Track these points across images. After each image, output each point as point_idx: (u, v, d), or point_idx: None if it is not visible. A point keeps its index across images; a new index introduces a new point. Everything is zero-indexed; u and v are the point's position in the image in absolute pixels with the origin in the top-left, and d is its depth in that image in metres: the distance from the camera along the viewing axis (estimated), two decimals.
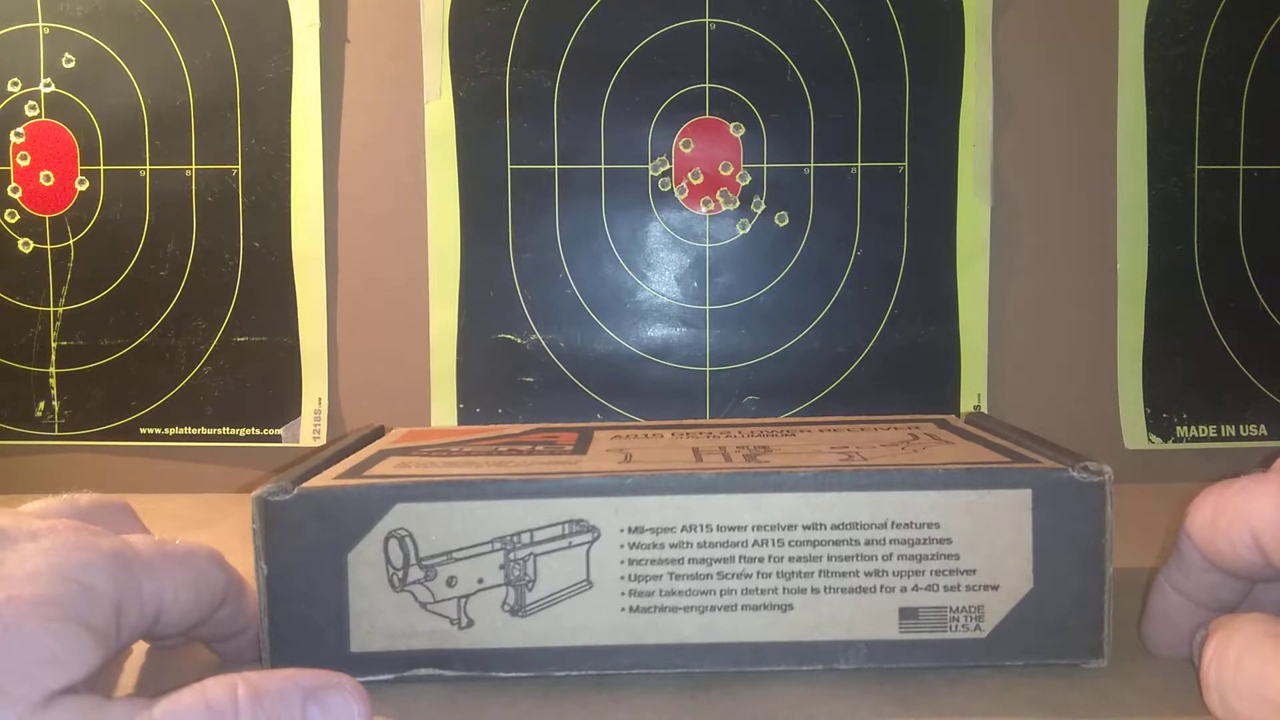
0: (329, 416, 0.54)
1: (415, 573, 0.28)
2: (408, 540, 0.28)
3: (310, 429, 0.54)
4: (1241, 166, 0.53)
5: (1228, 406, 0.54)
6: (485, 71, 0.53)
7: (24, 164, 0.54)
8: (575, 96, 0.53)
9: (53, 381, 0.54)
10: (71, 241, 0.54)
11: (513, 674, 0.29)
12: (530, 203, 0.53)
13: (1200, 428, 0.54)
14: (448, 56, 0.53)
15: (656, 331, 0.54)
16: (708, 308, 0.54)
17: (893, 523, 0.28)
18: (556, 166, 0.53)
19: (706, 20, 0.53)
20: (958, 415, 0.41)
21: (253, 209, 0.54)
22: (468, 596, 0.28)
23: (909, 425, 0.37)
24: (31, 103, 0.54)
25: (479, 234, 0.53)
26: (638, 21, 0.53)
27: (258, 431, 0.54)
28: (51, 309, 0.54)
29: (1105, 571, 0.28)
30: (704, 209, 0.54)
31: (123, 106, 0.53)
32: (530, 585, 0.28)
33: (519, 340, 0.53)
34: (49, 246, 0.54)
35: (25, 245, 0.54)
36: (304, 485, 0.28)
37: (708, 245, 0.54)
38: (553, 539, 0.28)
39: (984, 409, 0.53)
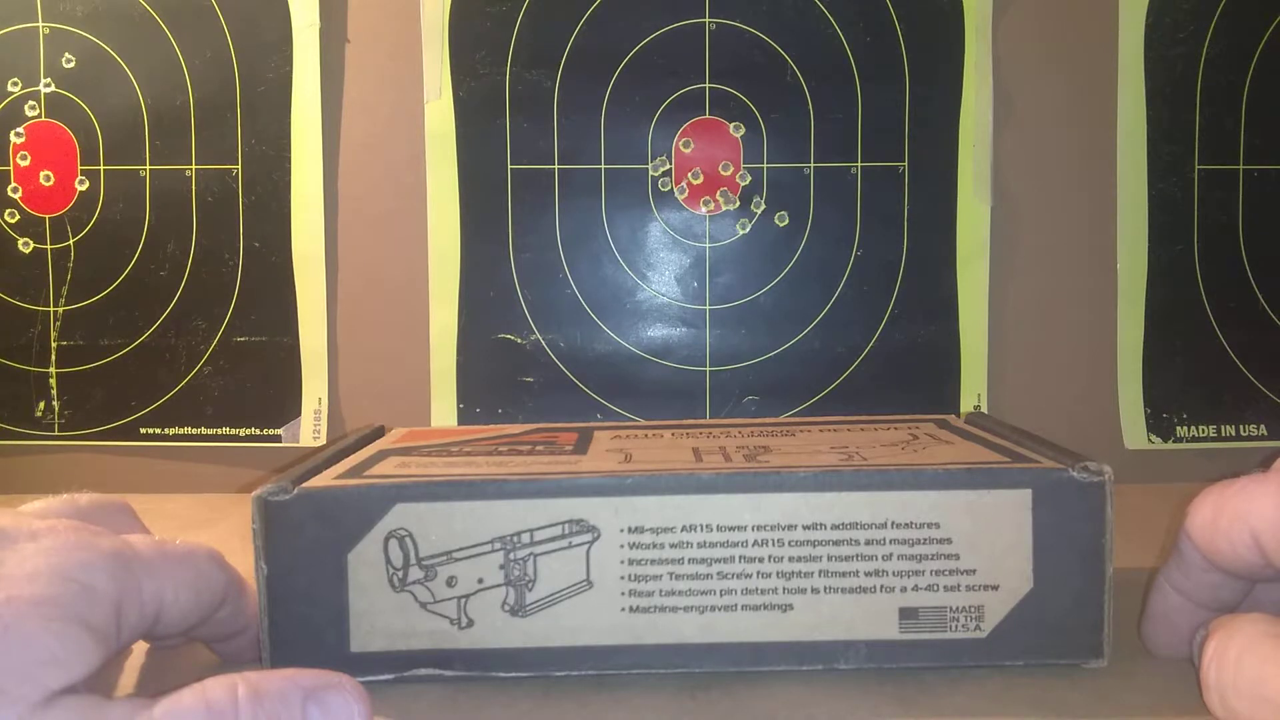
0: (329, 416, 0.54)
1: (415, 573, 0.28)
2: (408, 540, 0.28)
3: (310, 429, 0.54)
4: (1241, 166, 0.53)
5: (1228, 406, 0.54)
6: (485, 71, 0.53)
7: (24, 164, 0.54)
8: (575, 96, 0.53)
9: (53, 381, 0.54)
10: (71, 241, 0.54)
11: (513, 674, 0.29)
12: (530, 203, 0.53)
13: (1200, 428, 0.54)
14: (448, 56, 0.53)
15: (656, 331, 0.54)
16: (708, 308, 0.54)
17: (893, 523, 0.28)
18: (556, 166, 0.53)
19: (706, 20, 0.53)
20: (958, 415, 0.41)
21: (253, 209, 0.54)
22: (468, 596, 0.28)
23: (909, 425, 0.37)
24: (31, 103, 0.54)
25: (479, 234, 0.53)
26: (638, 21, 0.53)
27: (258, 431, 0.54)
28: (51, 309, 0.54)
29: (1105, 571, 0.28)
30: (704, 209, 0.54)
31: (123, 106, 0.53)
32: (530, 585, 0.28)
33: (519, 340, 0.53)
34: (49, 246, 0.54)
35: (25, 245, 0.54)
36: (304, 485, 0.28)
37: (708, 245, 0.54)
38: (553, 539, 0.28)
39: (984, 409, 0.53)
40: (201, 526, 0.47)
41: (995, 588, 0.28)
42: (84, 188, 0.54)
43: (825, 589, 0.28)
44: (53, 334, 0.54)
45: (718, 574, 0.28)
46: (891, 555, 0.28)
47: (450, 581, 0.28)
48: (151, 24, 0.53)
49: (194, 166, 0.54)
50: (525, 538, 0.28)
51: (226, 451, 0.54)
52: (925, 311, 0.53)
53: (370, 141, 0.54)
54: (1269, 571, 0.25)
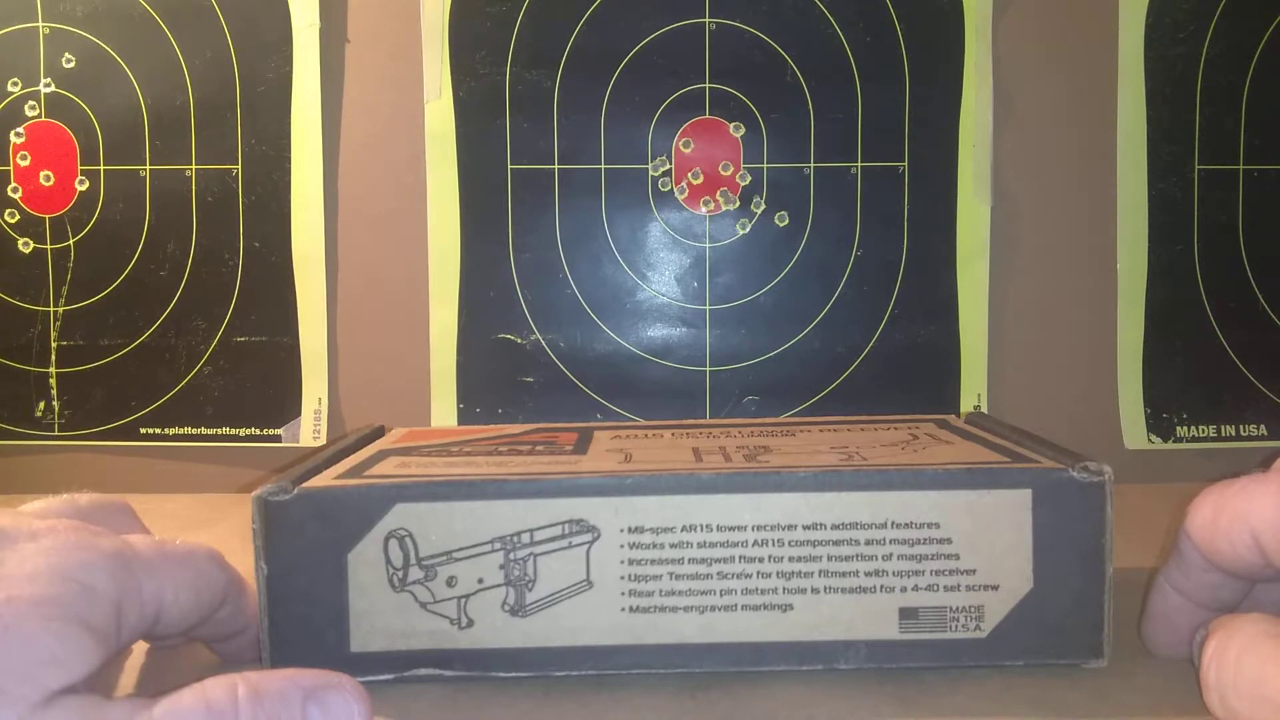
0: (329, 416, 0.54)
1: (415, 573, 0.28)
2: (408, 540, 0.28)
3: (310, 429, 0.54)
4: (1241, 166, 0.53)
5: (1228, 406, 0.54)
6: (485, 71, 0.53)
7: (24, 164, 0.54)
8: (575, 96, 0.53)
9: (53, 381, 0.54)
10: (71, 241, 0.54)
11: (513, 674, 0.29)
12: (530, 203, 0.53)
13: (1200, 428, 0.54)
14: (448, 56, 0.53)
15: (656, 331, 0.54)
16: (708, 308, 0.54)
17: (893, 523, 0.28)
18: (556, 166, 0.53)
19: (706, 20, 0.53)
20: (958, 415, 0.41)
21: (253, 209, 0.54)
22: (468, 596, 0.28)
23: (909, 425, 0.37)
24: (31, 103, 0.54)
25: (479, 234, 0.53)
26: (638, 21, 0.53)
27: (258, 431, 0.54)
28: (51, 309, 0.54)
29: (1105, 571, 0.28)
30: (704, 209, 0.54)
31: (123, 106, 0.53)
32: (530, 585, 0.28)
33: (519, 340, 0.53)
34: (49, 246, 0.54)
35: (25, 245, 0.54)
36: (304, 485, 0.28)
37: (708, 245, 0.54)
38: (553, 539, 0.28)
39: (984, 409, 0.53)
40: (201, 526, 0.47)
41: (995, 588, 0.28)
42: (84, 188, 0.54)
43: (825, 589, 0.28)
44: (53, 334, 0.54)
45: (718, 574, 0.28)
46: (891, 555, 0.28)
47: (450, 581, 0.28)
48: (151, 24, 0.53)
49: (194, 166, 0.54)
50: (525, 538, 0.28)
51: (226, 451, 0.54)
52: (925, 311, 0.53)
53: (370, 141, 0.54)
54: (1269, 571, 0.25)
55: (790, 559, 0.28)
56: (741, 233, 0.54)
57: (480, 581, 0.28)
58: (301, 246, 0.54)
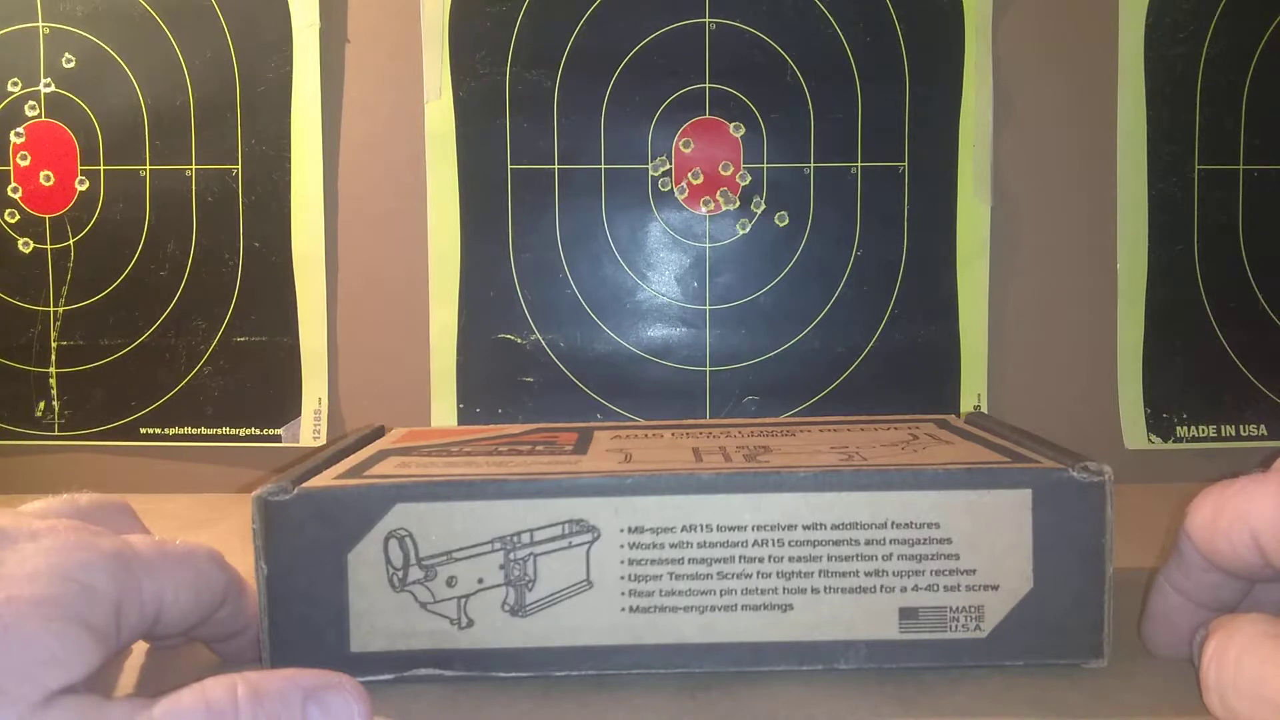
0: (329, 416, 0.54)
1: (415, 573, 0.28)
2: (408, 540, 0.28)
3: (310, 429, 0.54)
4: (1241, 166, 0.53)
5: (1228, 406, 0.54)
6: (485, 71, 0.53)
7: (24, 164, 0.54)
8: (575, 96, 0.53)
9: (53, 381, 0.54)
10: (71, 241, 0.54)
11: (513, 674, 0.29)
12: (530, 203, 0.53)
13: (1200, 428, 0.54)
14: (448, 56, 0.53)
15: (656, 331, 0.54)
16: (708, 308, 0.54)
17: (893, 523, 0.28)
18: (556, 166, 0.53)
19: (706, 20, 0.53)
20: (958, 415, 0.41)
21: (253, 209, 0.54)
22: (468, 596, 0.28)
23: (909, 425, 0.37)
24: (31, 103, 0.54)
25: (479, 234, 0.53)
26: (638, 21, 0.53)
27: (258, 431, 0.54)
28: (51, 309, 0.54)
29: (1105, 571, 0.28)
30: (704, 209, 0.54)
31: (123, 106, 0.54)
32: (530, 585, 0.28)
33: (519, 340, 0.53)
34: (49, 246, 0.54)
35: (25, 245, 0.54)
36: (304, 485, 0.28)
37: (708, 245, 0.54)
38: (553, 539, 0.28)
39: (984, 409, 0.53)
40: (201, 526, 0.47)
41: (995, 588, 0.28)
42: (84, 188, 0.54)
43: (825, 589, 0.28)
44: (53, 334, 0.54)
45: (718, 574, 0.28)
46: (891, 555, 0.28)
47: (450, 581, 0.28)
48: (151, 24, 0.53)
49: (194, 166, 0.54)
50: (525, 538, 0.28)
51: (226, 451, 0.54)
52: (925, 311, 0.53)
53: (370, 141, 0.54)
54: (1269, 571, 0.25)
55: (790, 559, 0.28)
56: (741, 233, 0.54)
57: (480, 581, 0.28)
58: (301, 246, 0.54)
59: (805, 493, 0.28)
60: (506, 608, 0.28)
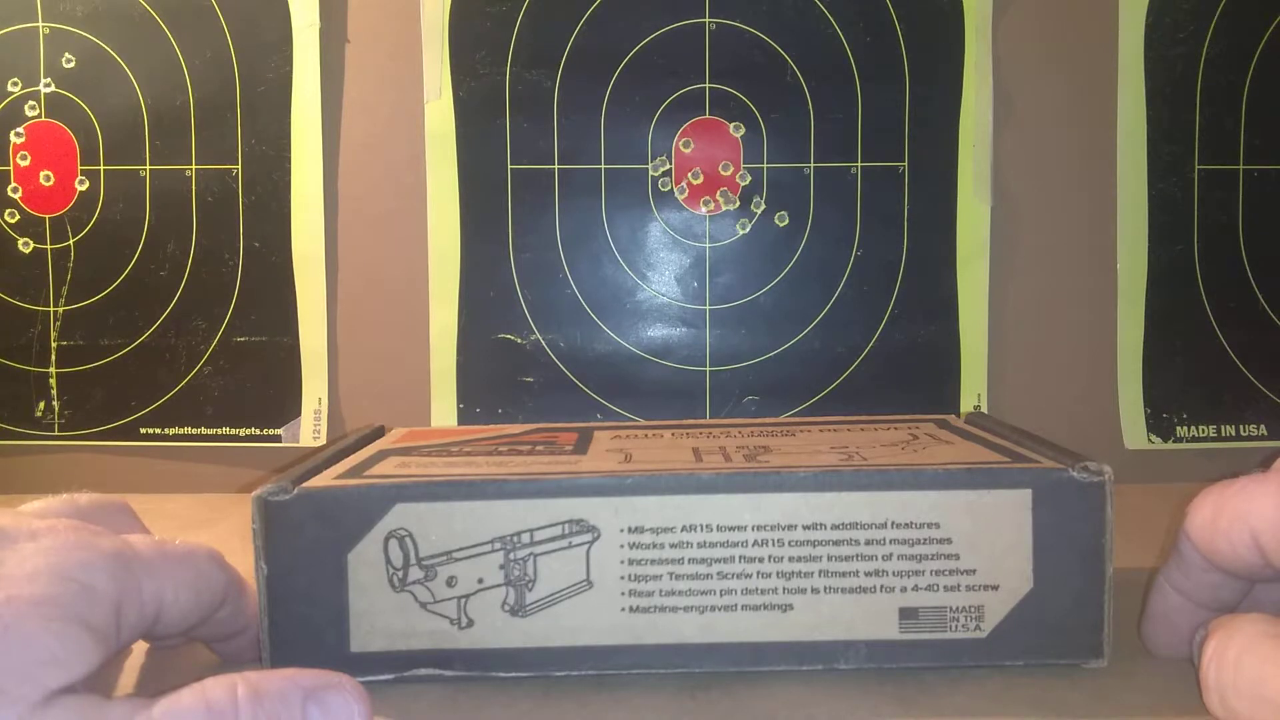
0: (329, 416, 0.54)
1: (415, 573, 0.28)
2: (408, 540, 0.28)
3: (310, 429, 0.54)
4: (1241, 166, 0.53)
5: (1228, 406, 0.54)
6: (485, 71, 0.53)
7: (24, 164, 0.54)
8: (575, 96, 0.53)
9: (53, 381, 0.54)
10: (71, 241, 0.54)
11: (513, 674, 0.29)
12: (530, 203, 0.53)
13: (1200, 428, 0.54)
14: (448, 56, 0.53)
15: (656, 331, 0.54)
16: (708, 308, 0.54)
17: (893, 523, 0.28)
18: (556, 166, 0.53)
19: (706, 20, 0.53)
20: (958, 415, 0.41)
21: (253, 209, 0.54)
22: (468, 596, 0.28)
23: (909, 425, 0.37)
24: (31, 103, 0.54)
25: (479, 234, 0.53)
26: (638, 21, 0.53)
27: (258, 431, 0.54)
28: (51, 309, 0.54)
29: (1105, 571, 0.28)
30: (704, 209, 0.54)
31: (123, 106, 0.54)
32: (530, 585, 0.28)
33: (519, 340, 0.53)
34: (49, 246, 0.54)
35: (25, 245, 0.54)
36: (304, 485, 0.28)
37: (708, 245, 0.54)
38: (553, 539, 0.28)
39: (984, 409, 0.53)
40: (201, 526, 0.47)
41: (995, 588, 0.28)
42: (84, 188, 0.54)
43: (825, 589, 0.28)
44: (53, 334, 0.54)
45: (718, 574, 0.28)
46: (891, 555, 0.28)
47: (450, 581, 0.28)
48: (151, 24, 0.53)
49: (194, 166, 0.54)
50: (525, 538, 0.28)
51: (226, 451, 0.54)
52: (925, 311, 0.53)
53: (370, 141, 0.54)
54: (1269, 571, 0.25)
55: (790, 559, 0.28)
56: (741, 233, 0.54)
57: (480, 581, 0.28)
58: (301, 246, 0.54)
59: (805, 493, 0.28)
60: (506, 608, 0.28)
